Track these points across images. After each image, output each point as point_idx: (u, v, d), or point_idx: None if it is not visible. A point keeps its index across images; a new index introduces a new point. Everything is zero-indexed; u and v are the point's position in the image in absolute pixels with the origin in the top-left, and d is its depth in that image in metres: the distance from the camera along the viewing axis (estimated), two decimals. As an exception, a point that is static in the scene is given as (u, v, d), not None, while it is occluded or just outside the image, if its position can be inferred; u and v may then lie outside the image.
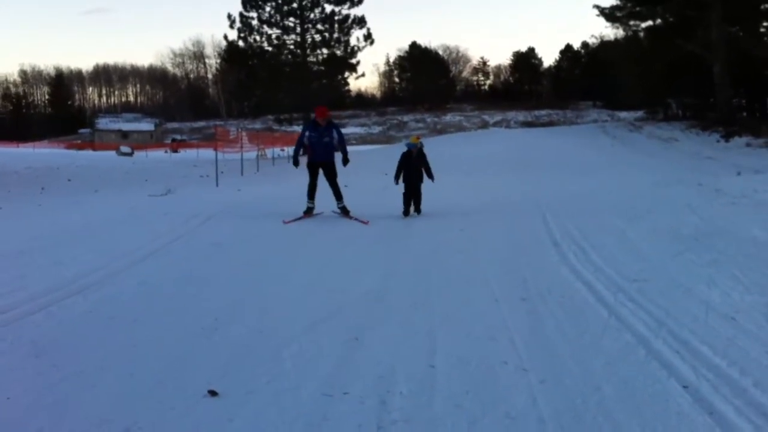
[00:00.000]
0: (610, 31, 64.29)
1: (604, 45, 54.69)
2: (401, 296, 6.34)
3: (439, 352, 4.69)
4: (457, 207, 12.39)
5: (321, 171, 11.69)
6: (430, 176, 11.89)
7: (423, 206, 11.83)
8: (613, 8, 37.15)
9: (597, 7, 37.33)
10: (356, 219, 11.09)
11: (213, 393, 4.01)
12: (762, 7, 32.88)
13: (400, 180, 11.87)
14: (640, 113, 49.66)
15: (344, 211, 11.62)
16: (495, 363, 4.47)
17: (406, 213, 11.66)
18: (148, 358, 4.66)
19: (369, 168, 22.89)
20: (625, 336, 4.94)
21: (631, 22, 38.00)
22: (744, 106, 38.80)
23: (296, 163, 12.52)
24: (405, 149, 12.24)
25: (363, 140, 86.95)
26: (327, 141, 11.48)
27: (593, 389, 4.02)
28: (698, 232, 8.74)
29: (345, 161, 11.93)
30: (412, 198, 11.75)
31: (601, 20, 38.24)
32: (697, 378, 4.10)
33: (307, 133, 11.61)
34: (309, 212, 11.59)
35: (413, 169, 11.76)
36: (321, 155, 11.59)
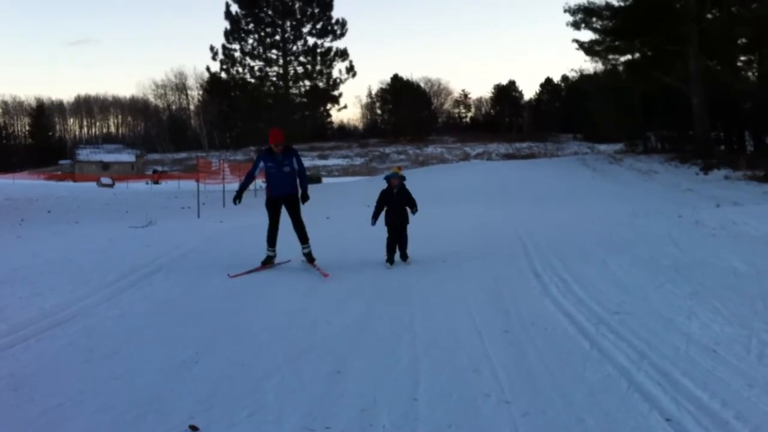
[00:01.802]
0: (590, 65, 65.15)
1: (584, 78, 55.22)
2: (384, 327, 6.32)
3: (422, 384, 4.68)
4: (439, 238, 12.39)
5: (283, 208, 9.85)
6: (413, 207, 10.25)
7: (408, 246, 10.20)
8: (592, 42, 37.66)
9: (576, 41, 37.91)
10: (319, 269, 9.24)
11: (194, 428, 3.97)
12: (739, 41, 33.48)
13: (381, 221, 10.16)
14: (619, 146, 50.13)
15: (309, 258, 9.77)
16: (477, 395, 4.46)
17: (390, 261, 9.90)
18: (129, 390, 4.61)
19: (351, 200, 22.96)
20: (607, 368, 4.95)
21: (610, 56, 38.51)
22: (722, 139, 39.29)
23: (238, 198, 9.72)
24: (385, 185, 10.30)
25: (345, 172, 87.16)
26: (288, 171, 9.67)
27: (576, 421, 4.02)
28: (678, 264, 8.80)
29: (304, 197, 9.87)
30: (397, 242, 10.05)
31: (581, 54, 38.66)
32: (679, 410, 4.11)
33: (261, 164, 9.69)
34: (269, 261, 9.75)
35: (396, 208, 10.08)
36: (282, 188, 9.71)
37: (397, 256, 10.06)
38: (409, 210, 10.27)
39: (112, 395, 4.52)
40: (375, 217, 10.21)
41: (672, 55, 32.93)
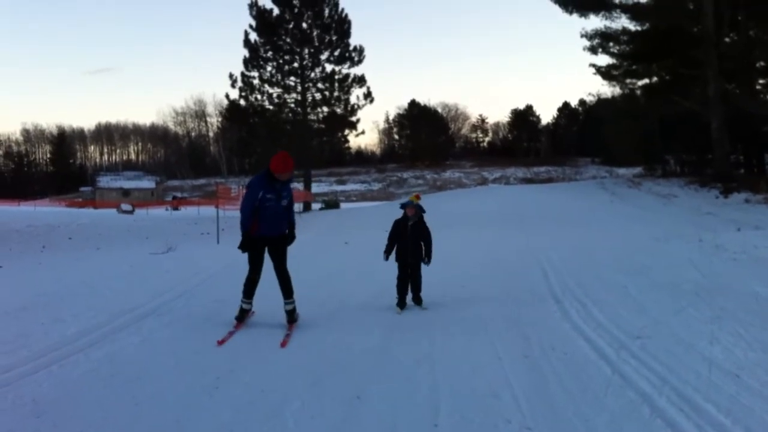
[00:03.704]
0: (607, 89, 65.22)
1: (601, 102, 55.17)
2: (403, 353, 6.32)
3: (442, 410, 4.67)
4: (457, 263, 12.36)
5: (267, 251, 7.87)
6: (428, 254, 8.75)
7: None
8: (609, 66, 37.61)
9: (594, 65, 37.81)
10: (288, 334, 7.21)
11: (215, 452, 3.98)
12: (757, 64, 33.34)
13: (392, 257, 8.87)
14: (638, 170, 49.87)
15: (290, 317, 7.67)
16: (498, 421, 4.45)
17: (401, 304, 8.62)
18: (150, 416, 4.64)
19: (369, 224, 22.97)
20: (629, 393, 4.92)
21: (628, 80, 38.41)
22: (742, 162, 39.04)
23: (249, 245, 7.75)
24: (400, 214, 8.96)
25: (363, 197, 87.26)
26: (286, 204, 7.73)
27: (598, 447, 4.00)
28: (699, 288, 8.74)
29: (291, 236, 8.02)
30: (410, 282, 8.74)
31: (598, 78, 38.63)
32: (702, 436, 4.08)
33: (261, 194, 7.46)
34: (244, 315, 7.81)
35: (409, 243, 8.70)
36: (275, 226, 7.72)
37: (409, 298, 8.77)
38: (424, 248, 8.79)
39: (133, 421, 4.55)
40: (387, 251, 8.89)
41: (690, 79, 32.82)
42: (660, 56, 32.87)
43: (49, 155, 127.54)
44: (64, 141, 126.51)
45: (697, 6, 31.48)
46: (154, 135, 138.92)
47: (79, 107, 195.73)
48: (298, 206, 38.98)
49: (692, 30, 32.37)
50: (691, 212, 24.76)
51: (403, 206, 8.90)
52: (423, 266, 8.90)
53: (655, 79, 37.19)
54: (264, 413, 4.69)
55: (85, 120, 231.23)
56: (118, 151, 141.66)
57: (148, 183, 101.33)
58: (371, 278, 10.89)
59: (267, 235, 7.68)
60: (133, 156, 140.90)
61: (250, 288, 7.82)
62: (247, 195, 7.60)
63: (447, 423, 4.45)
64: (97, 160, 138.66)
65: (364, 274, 11.36)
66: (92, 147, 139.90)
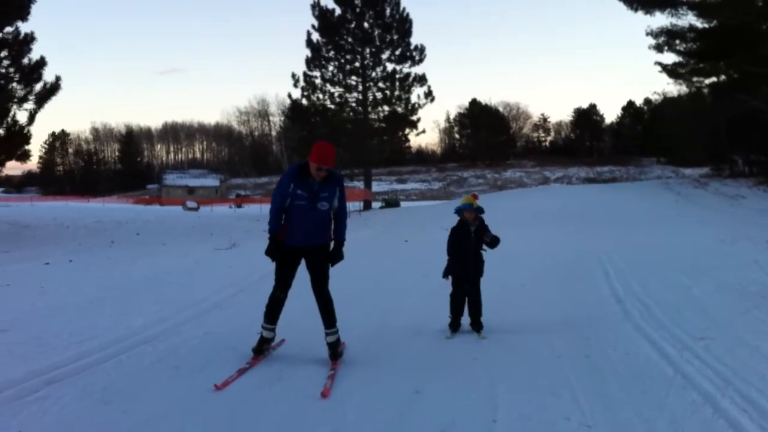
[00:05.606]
0: (673, 88, 63.78)
1: (667, 101, 54.07)
2: (461, 350, 6.34)
3: (501, 406, 4.68)
4: (518, 262, 12.30)
5: (304, 264, 6.23)
6: (494, 240, 7.18)
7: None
8: (675, 65, 36.82)
9: (659, 63, 37.10)
10: (330, 376, 5.45)
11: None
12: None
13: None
14: (705, 170, 48.80)
15: (333, 351, 5.97)
16: (558, 418, 4.44)
17: (454, 326, 7.18)
18: (213, 406, 4.75)
19: (429, 223, 22.99)
20: (691, 394, 4.85)
21: (695, 79, 37.58)
22: (813, 163, 37.88)
23: (275, 250, 6.23)
24: (456, 222, 7.40)
25: (423, 196, 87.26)
26: (325, 209, 5.95)
27: (658, 447, 3.97)
28: (766, 290, 8.55)
29: (337, 254, 6.15)
30: (468, 301, 7.22)
31: (664, 76, 37.75)
32: (766, 438, 4.02)
33: (291, 188, 5.85)
34: (263, 346, 6.22)
35: (470, 255, 7.21)
36: (309, 234, 6.01)
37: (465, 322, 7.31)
38: (486, 246, 7.27)
39: (197, 411, 4.66)
40: (449, 270, 7.33)
41: (758, 78, 32.00)
42: (727, 54, 32.06)
43: (117, 153, 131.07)
44: (132, 139, 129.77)
45: (765, 2, 30.62)
46: (219, 134, 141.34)
47: (147, 107, 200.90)
48: (357, 205, 38.97)
49: (761, 27, 31.53)
50: (758, 214, 24.15)
51: (458, 211, 7.37)
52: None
53: (722, 77, 36.30)
54: (324, 406, 4.76)
55: (153, 119, 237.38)
56: (183, 149, 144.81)
57: (212, 181, 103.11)
58: (430, 276, 10.90)
59: (299, 244, 6.06)
60: (198, 154, 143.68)
61: (273, 309, 6.31)
62: (276, 189, 6.02)
63: (505, 419, 4.45)
64: (164, 158, 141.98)
65: (423, 273, 11.37)
66: (159, 145, 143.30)
